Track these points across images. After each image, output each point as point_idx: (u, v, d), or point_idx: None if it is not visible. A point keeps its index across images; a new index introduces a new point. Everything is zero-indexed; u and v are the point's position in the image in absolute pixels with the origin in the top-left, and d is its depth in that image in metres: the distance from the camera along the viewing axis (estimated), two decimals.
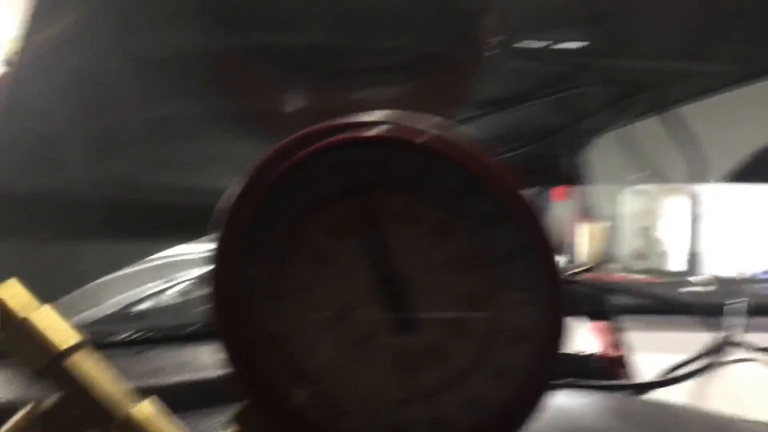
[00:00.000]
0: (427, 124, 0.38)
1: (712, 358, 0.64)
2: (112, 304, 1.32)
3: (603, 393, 0.56)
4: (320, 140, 0.37)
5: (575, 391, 0.51)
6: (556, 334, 0.38)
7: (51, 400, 0.37)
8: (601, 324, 0.73)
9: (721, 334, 0.64)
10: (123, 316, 1.18)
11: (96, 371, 0.38)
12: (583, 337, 0.67)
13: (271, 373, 0.37)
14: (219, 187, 0.38)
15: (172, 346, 0.85)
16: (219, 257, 0.36)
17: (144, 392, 0.39)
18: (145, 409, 0.37)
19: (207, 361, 0.78)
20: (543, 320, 0.38)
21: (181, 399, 0.70)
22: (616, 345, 0.70)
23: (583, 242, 1.78)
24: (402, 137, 0.37)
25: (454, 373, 0.38)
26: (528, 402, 0.37)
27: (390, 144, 0.38)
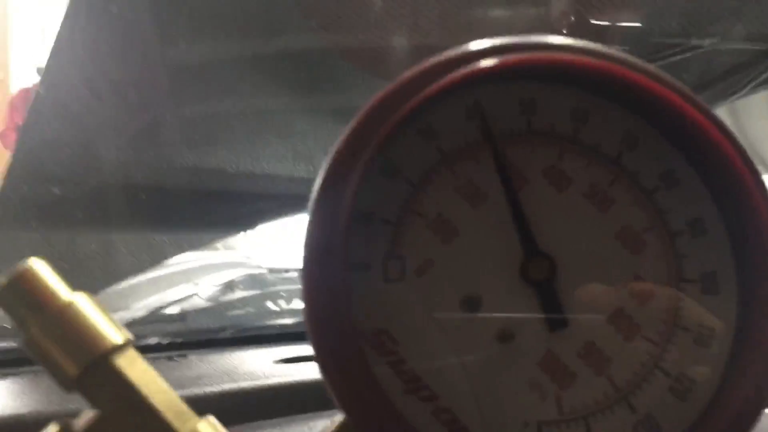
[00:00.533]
0: (595, 51, 0.28)
1: None
2: (140, 307, 1.24)
3: None
4: (450, 72, 0.28)
5: None
6: (757, 340, 0.27)
7: (85, 417, 0.28)
8: None
9: None
10: (153, 319, 1.10)
11: (147, 378, 0.28)
12: None
13: (379, 381, 0.27)
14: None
15: (210, 351, 0.76)
16: (315, 228, 0.27)
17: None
18: (207, 429, 0.28)
19: (251, 368, 0.69)
20: (744, 319, 0.28)
21: (226, 410, 0.62)
22: None
23: None
24: (565, 60, 0.28)
25: (619, 386, 0.28)
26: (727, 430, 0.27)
27: (546, 71, 0.28)
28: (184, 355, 0.72)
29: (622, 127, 0.30)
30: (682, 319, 0.29)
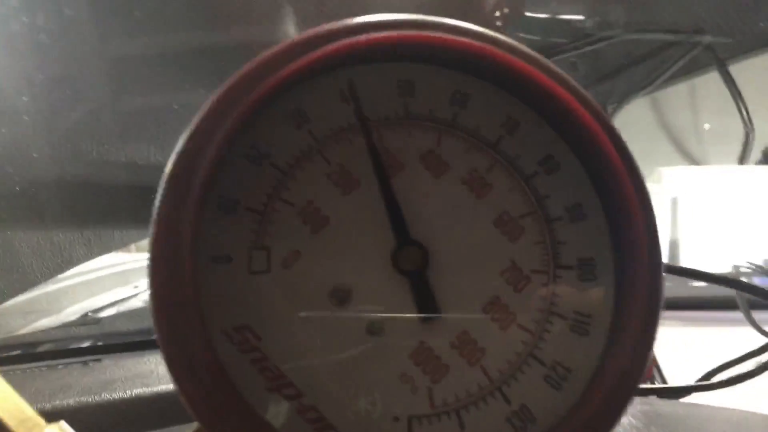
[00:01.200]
0: (468, 30, 0.28)
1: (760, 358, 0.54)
2: (73, 311, 1.20)
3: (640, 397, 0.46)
4: (316, 49, 0.26)
5: None
6: (646, 330, 0.27)
7: None
8: None
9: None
10: (82, 322, 1.05)
11: None
12: None
13: (239, 381, 0.25)
14: None
15: (127, 355, 0.73)
16: (163, 215, 0.25)
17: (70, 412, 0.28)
18: None
19: (165, 373, 0.66)
20: (621, 305, 0.28)
21: (140, 415, 0.59)
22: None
23: None
24: (446, 41, 0.27)
25: (493, 377, 0.27)
26: (603, 421, 0.26)
27: (421, 50, 0.27)
28: (99, 360, 0.69)
29: (502, 111, 0.29)
30: (558, 307, 0.28)
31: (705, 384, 0.50)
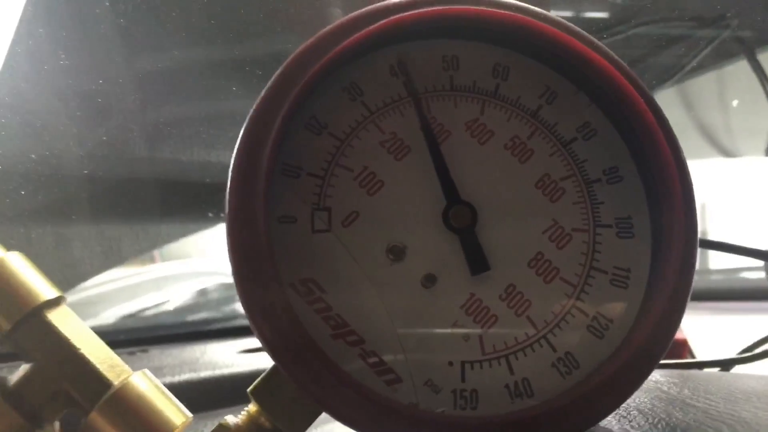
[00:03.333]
0: (512, 5, 0.30)
1: None
2: (109, 315, 1.23)
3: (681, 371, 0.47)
4: (368, 26, 0.29)
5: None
6: (682, 281, 0.28)
7: (19, 373, 0.28)
8: None
9: None
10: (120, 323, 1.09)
11: (80, 333, 0.29)
12: None
13: (306, 328, 0.27)
14: None
15: (171, 345, 0.76)
16: (236, 182, 0.27)
17: None
18: (141, 381, 0.28)
19: (213, 359, 0.69)
20: (658, 260, 0.29)
21: (186, 400, 0.62)
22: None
23: None
24: (489, 14, 0.29)
25: (538, 326, 0.29)
26: (636, 367, 0.28)
27: (463, 23, 0.30)
28: (146, 350, 0.72)
29: (542, 82, 0.32)
30: (598, 262, 0.30)
31: (747, 356, 0.51)
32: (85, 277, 0.72)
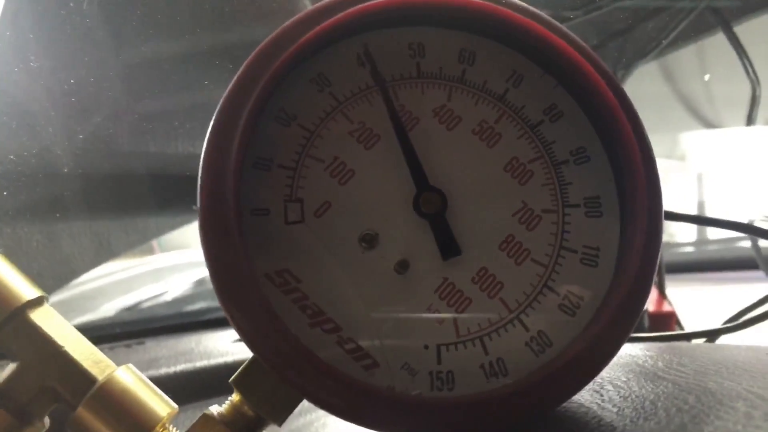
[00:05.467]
0: None
1: None
2: (108, 308, 1.24)
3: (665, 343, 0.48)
4: (333, 16, 0.29)
5: (640, 344, 0.43)
6: (647, 258, 0.29)
7: (5, 372, 0.29)
8: None
9: None
10: (118, 316, 1.10)
11: (63, 331, 0.29)
12: None
13: (281, 318, 0.28)
14: None
15: (168, 337, 0.77)
16: (206, 176, 0.28)
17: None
18: (126, 375, 0.29)
19: (207, 349, 0.70)
20: (626, 240, 0.30)
21: (183, 389, 0.63)
22: (664, 301, 0.63)
23: None
24: (450, 1, 0.30)
25: (511, 307, 0.30)
26: (606, 343, 0.29)
27: (432, 13, 0.30)
28: (142, 342, 0.73)
29: (507, 66, 0.32)
30: (568, 242, 0.30)
31: (732, 325, 0.52)
32: (77, 274, 0.73)
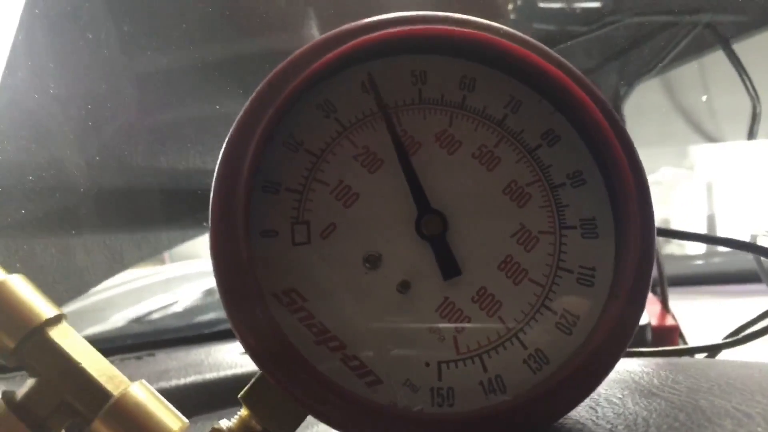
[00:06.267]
0: (473, 22, 0.31)
1: None
2: (119, 319, 1.26)
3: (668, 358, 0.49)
4: (339, 47, 0.31)
5: (640, 359, 0.44)
6: (640, 277, 0.30)
7: (25, 387, 0.30)
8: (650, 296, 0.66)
9: None
10: (129, 328, 1.12)
11: (80, 348, 0.31)
12: None
13: (288, 337, 0.29)
14: None
15: (178, 348, 0.78)
16: (217, 198, 0.29)
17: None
18: (139, 390, 0.30)
19: (216, 360, 0.71)
20: (620, 261, 0.31)
21: (192, 401, 0.64)
22: (667, 315, 0.64)
23: None
24: (450, 32, 0.31)
25: (509, 325, 0.31)
26: (601, 360, 0.30)
27: (433, 42, 0.31)
28: (153, 354, 0.74)
29: (506, 93, 0.33)
30: (565, 262, 0.31)
31: (732, 340, 0.52)
32: (90, 286, 0.74)
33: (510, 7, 0.75)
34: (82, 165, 0.71)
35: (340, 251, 0.31)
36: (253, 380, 0.30)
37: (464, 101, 0.33)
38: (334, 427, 0.29)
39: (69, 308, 0.94)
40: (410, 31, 0.31)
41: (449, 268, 0.31)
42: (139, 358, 0.74)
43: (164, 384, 0.64)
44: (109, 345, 0.81)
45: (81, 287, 0.72)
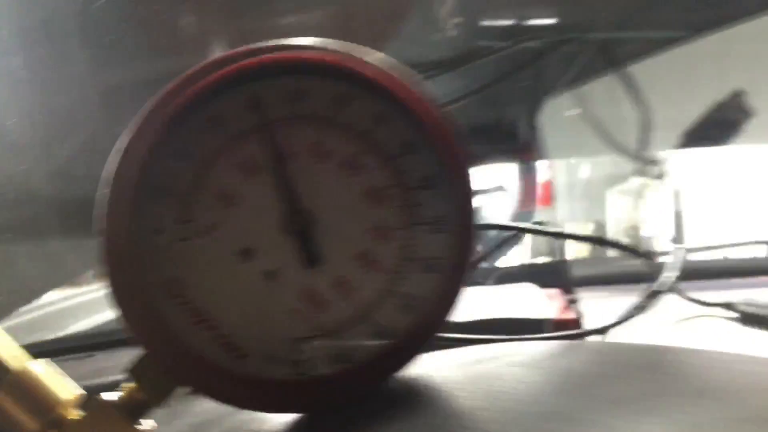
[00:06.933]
0: (345, 50, 0.37)
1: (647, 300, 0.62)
2: (76, 329, 1.28)
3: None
4: (236, 68, 0.36)
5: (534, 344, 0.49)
6: (463, 262, 0.36)
7: None
8: (554, 291, 0.72)
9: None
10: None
11: None
12: (538, 304, 0.66)
13: (170, 319, 0.34)
14: None
15: (120, 349, 0.82)
16: (110, 200, 0.34)
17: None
18: (40, 365, 0.35)
19: None
20: (452, 250, 0.36)
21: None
22: (570, 309, 0.69)
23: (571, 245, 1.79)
24: (318, 60, 0.36)
25: (362, 308, 0.36)
26: (432, 330, 0.36)
27: (304, 68, 0.37)
28: (92, 355, 0.78)
29: (372, 110, 0.38)
30: (415, 254, 0.37)
31: (616, 321, 0.58)
32: (35, 295, 0.78)
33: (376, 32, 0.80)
34: (31, 173, 0.75)
35: (218, 246, 0.36)
36: (139, 356, 0.35)
37: (335, 117, 0.38)
38: (206, 395, 0.34)
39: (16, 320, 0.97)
40: (285, 57, 0.36)
41: (312, 259, 0.36)
42: (78, 359, 0.77)
43: (100, 381, 0.68)
44: (55, 347, 0.84)
45: (26, 296, 0.75)
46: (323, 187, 0.37)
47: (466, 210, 0.36)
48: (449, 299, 0.35)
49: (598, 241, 0.75)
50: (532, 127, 0.77)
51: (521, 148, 0.86)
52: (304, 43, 0.38)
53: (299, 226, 0.36)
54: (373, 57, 0.38)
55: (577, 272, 0.81)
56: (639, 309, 0.57)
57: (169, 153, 0.36)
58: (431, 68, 0.68)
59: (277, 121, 0.38)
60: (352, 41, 0.39)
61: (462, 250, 0.36)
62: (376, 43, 0.40)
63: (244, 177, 0.37)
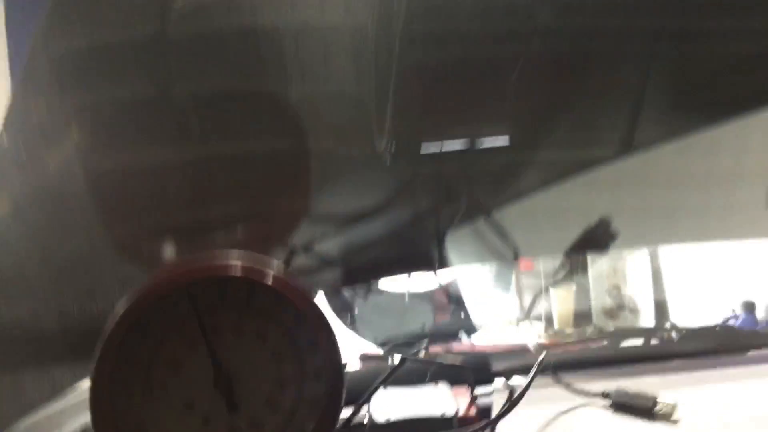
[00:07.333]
0: (250, 263, 0.56)
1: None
2: (73, 427, 1.39)
3: None
4: (180, 278, 0.54)
5: None
6: (337, 401, 0.55)
7: None
8: (462, 389, 0.86)
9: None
10: None
11: None
12: (446, 402, 0.80)
13: None
14: None
15: None
16: (98, 367, 0.52)
17: None
18: None
19: None
20: (329, 392, 0.54)
21: None
22: (473, 406, 0.83)
23: (555, 307, 1.89)
24: (233, 271, 0.55)
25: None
26: None
27: (224, 276, 0.55)
28: None
29: (272, 299, 0.57)
30: (305, 398, 0.55)
31: (501, 411, 0.74)
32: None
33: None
34: None
35: (169, 401, 0.54)
36: None
37: (249, 306, 0.56)
38: None
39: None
40: (211, 270, 0.55)
41: (231, 406, 0.54)
42: None
43: None
44: None
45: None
46: (242, 356, 0.55)
47: (335, 363, 0.54)
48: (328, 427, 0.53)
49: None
50: (440, 251, 0.95)
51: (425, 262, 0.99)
52: (223, 260, 0.57)
53: (225, 384, 0.54)
54: (271, 264, 0.57)
55: (498, 366, 0.95)
56: (513, 403, 0.73)
57: (138, 333, 0.54)
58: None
59: (208, 310, 0.56)
60: (263, 248, 0.58)
61: (334, 392, 0.54)
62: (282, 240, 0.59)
63: (188, 350, 0.55)
